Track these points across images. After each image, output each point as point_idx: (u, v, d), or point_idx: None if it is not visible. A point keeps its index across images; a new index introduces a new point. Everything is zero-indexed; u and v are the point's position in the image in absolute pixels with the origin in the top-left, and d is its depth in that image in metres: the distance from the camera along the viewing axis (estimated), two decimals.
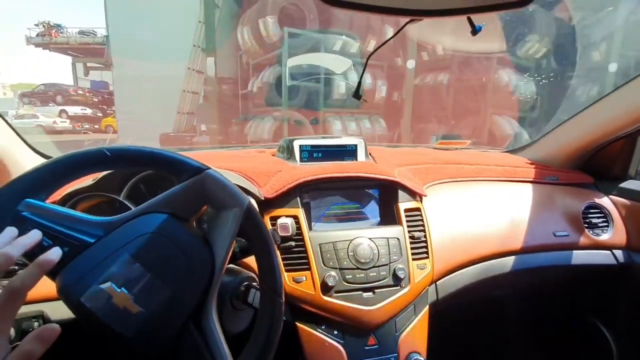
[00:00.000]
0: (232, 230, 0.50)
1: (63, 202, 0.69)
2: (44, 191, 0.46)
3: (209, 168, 0.50)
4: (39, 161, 0.69)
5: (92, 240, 0.45)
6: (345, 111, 5.61)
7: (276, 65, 5.13)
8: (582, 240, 0.97)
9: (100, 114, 15.15)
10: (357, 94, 0.70)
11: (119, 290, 0.44)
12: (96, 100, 16.21)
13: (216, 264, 0.49)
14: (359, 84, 0.68)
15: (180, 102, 7.07)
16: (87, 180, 0.71)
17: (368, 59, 0.62)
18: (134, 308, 0.44)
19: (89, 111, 15.02)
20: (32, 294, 0.64)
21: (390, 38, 0.52)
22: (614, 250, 0.99)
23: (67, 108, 14.52)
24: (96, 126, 14.31)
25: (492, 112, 6.21)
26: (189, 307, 0.47)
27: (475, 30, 0.45)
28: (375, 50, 0.60)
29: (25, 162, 0.80)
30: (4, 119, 0.78)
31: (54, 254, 0.41)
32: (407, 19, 0.45)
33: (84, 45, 16.89)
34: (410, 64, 6.16)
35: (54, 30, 17.05)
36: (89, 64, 18.35)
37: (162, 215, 0.48)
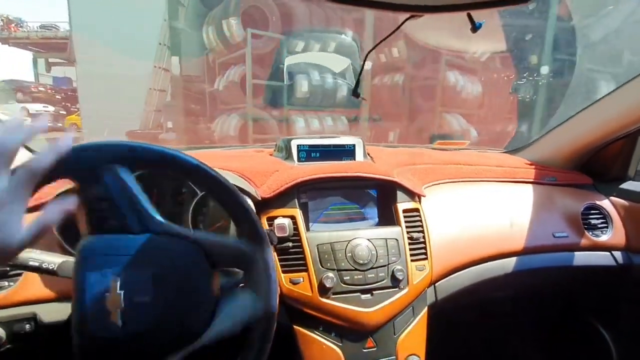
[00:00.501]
0: (245, 315, 0.51)
1: None
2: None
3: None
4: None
5: (136, 231, 0.47)
6: (309, 109, 6.08)
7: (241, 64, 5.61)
8: (581, 241, 1.01)
9: (64, 112, 14.71)
10: (355, 92, 0.72)
11: (118, 291, 0.45)
12: (59, 97, 15.82)
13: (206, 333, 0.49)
14: (357, 82, 0.70)
15: (147, 99, 7.30)
16: None
17: (366, 56, 0.64)
18: (116, 317, 0.44)
19: (51, 109, 14.52)
20: (25, 295, 0.65)
21: (389, 35, 0.55)
22: (613, 252, 1.03)
23: (28, 105, 14.06)
24: (59, 124, 13.94)
25: (442, 110, 6.79)
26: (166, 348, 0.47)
27: (475, 28, 0.48)
28: (374, 47, 0.63)
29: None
30: None
31: (68, 138, 0.42)
32: (407, 15, 0.47)
33: (46, 39, 16.54)
34: (367, 64, 6.61)
35: (13, 25, 16.74)
36: (51, 60, 17.93)
37: (201, 253, 0.49)
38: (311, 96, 5.57)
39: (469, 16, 0.47)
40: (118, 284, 0.45)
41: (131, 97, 7.25)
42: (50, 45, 16.79)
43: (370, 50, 0.64)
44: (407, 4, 0.45)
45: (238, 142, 5.90)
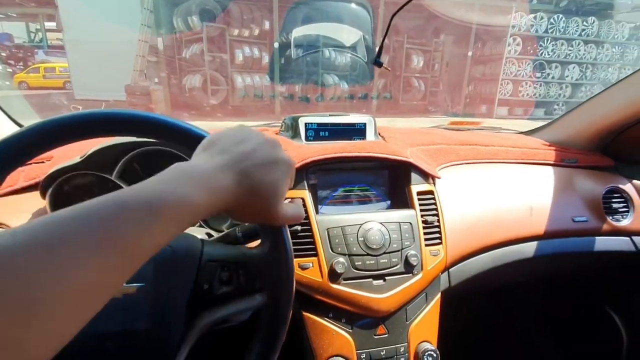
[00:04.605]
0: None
1: (50, 180, 0.65)
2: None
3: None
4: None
5: None
6: (244, 70, 9.74)
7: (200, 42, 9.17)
8: (601, 226, 0.96)
9: (10, 70, 13.70)
10: (377, 61, 0.66)
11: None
12: (4, 54, 14.81)
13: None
14: (380, 50, 0.64)
15: (134, 63, 9.68)
16: (74, 158, 0.68)
17: (391, 20, 0.58)
18: None
19: None
20: None
21: None
22: (633, 237, 0.98)
23: None
24: (7, 83, 13.21)
25: None
26: None
27: None
28: (399, 10, 0.56)
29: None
30: None
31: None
32: None
33: None
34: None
35: None
36: None
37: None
38: (245, 63, 9.57)
39: None
40: None
41: (112, 60, 9.21)
42: None
43: (393, 15, 0.58)
44: None
45: (202, 92, 9.11)
